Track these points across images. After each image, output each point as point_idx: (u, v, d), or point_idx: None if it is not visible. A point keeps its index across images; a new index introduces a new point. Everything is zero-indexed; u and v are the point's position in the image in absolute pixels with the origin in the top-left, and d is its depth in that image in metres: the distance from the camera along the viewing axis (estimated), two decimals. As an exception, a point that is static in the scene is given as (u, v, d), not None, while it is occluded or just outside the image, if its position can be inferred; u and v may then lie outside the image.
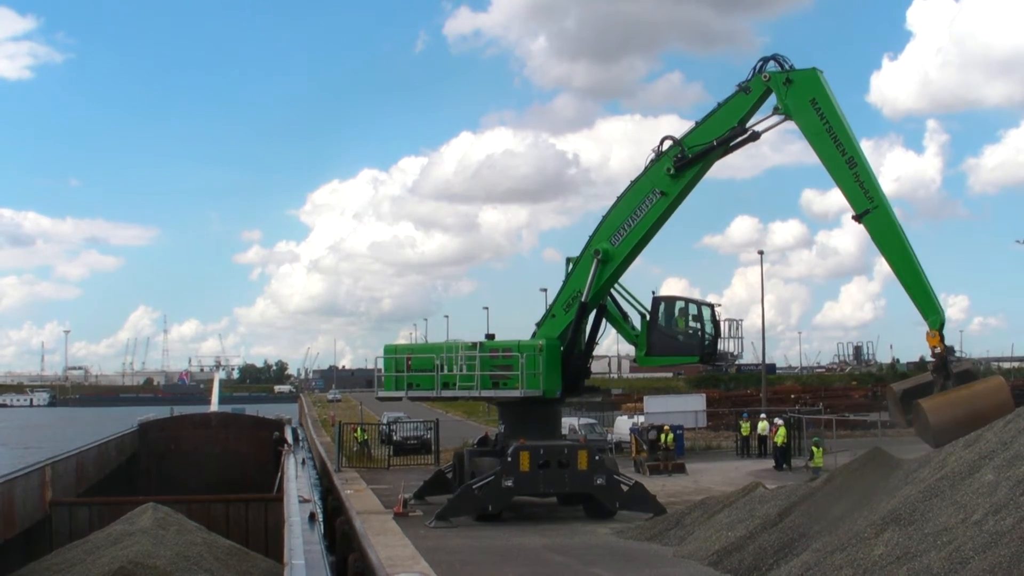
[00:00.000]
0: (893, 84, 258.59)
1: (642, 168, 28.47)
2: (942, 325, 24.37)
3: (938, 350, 24.18)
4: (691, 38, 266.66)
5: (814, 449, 37.90)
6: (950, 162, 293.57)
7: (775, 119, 27.18)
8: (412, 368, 29.91)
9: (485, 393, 29.56)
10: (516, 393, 28.55)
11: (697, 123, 28.09)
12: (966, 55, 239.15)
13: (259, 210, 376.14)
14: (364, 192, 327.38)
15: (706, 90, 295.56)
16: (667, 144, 28.08)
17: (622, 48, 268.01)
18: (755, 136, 27.72)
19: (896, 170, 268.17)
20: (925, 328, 24.47)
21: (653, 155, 28.16)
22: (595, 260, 28.23)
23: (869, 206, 25.19)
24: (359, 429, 49.15)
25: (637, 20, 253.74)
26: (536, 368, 28.38)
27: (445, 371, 29.17)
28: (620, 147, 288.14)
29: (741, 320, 29.99)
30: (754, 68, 27.16)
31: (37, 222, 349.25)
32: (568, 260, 29.61)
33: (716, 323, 29.42)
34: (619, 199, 28.64)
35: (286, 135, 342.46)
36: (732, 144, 27.96)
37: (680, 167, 27.65)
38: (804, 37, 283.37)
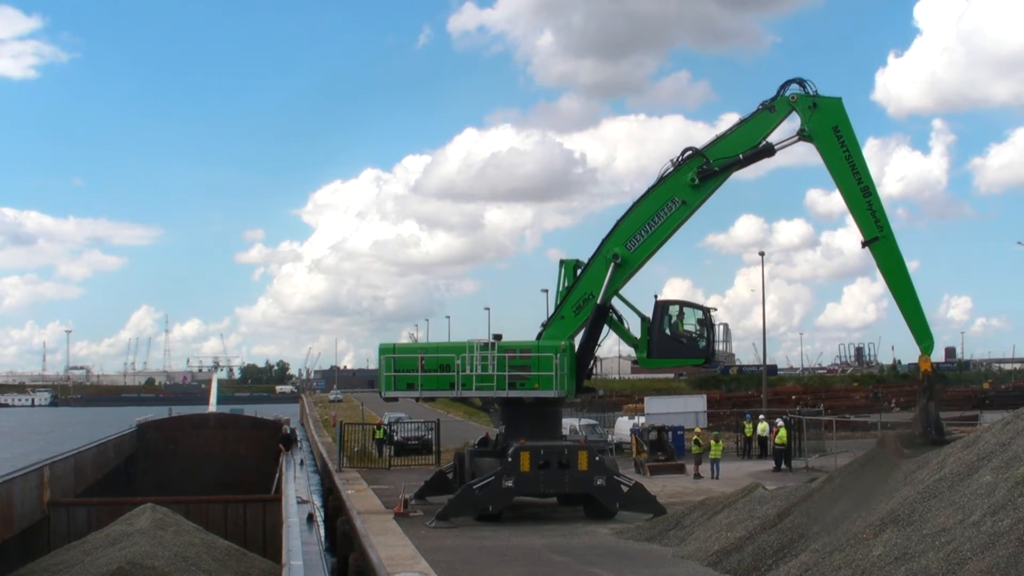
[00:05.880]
0: (899, 82, 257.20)
1: (655, 173, 29.42)
2: (932, 350, 26.79)
3: (928, 372, 26.35)
4: (700, 35, 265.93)
5: (713, 443, 39.14)
6: (956, 162, 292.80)
7: (792, 139, 28.69)
8: (424, 368, 29.69)
9: (509, 394, 29.15)
10: (543, 393, 28.61)
11: (719, 136, 29.11)
12: (973, 53, 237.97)
13: (261, 210, 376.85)
14: (367, 191, 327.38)
15: (712, 88, 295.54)
16: (687, 155, 28.83)
17: (630, 45, 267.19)
18: (771, 153, 28.97)
19: (901, 170, 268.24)
20: None
21: (671, 165, 28.94)
22: (612, 264, 28.70)
23: (879, 234, 27.14)
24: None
25: (645, 16, 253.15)
26: (563, 369, 28.57)
27: (467, 371, 29.02)
28: (625, 147, 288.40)
29: (726, 324, 31.04)
30: (779, 89, 28.60)
31: (40, 221, 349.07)
32: (562, 263, 29.84)
33: (712, 326, 29.96)
34: (635, 205, 29.15)
35: (288, 134, 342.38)
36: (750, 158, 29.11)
37: (704, 178, 28.57)
38: (812, 35, 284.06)
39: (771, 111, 28.47)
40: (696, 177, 28.41)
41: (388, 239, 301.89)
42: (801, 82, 28.37)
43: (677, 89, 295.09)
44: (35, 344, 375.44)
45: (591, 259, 29.22)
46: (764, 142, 28.63)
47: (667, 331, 29.56)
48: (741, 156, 28.57)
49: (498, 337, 29.92)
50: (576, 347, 29.34)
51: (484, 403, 31.98)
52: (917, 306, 26.71)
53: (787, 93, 28.39)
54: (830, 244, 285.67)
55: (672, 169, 28.79)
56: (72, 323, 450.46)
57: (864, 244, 27.04)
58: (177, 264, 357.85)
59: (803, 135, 28.21)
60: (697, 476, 38.61)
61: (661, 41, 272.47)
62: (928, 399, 25.36)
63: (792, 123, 28.70)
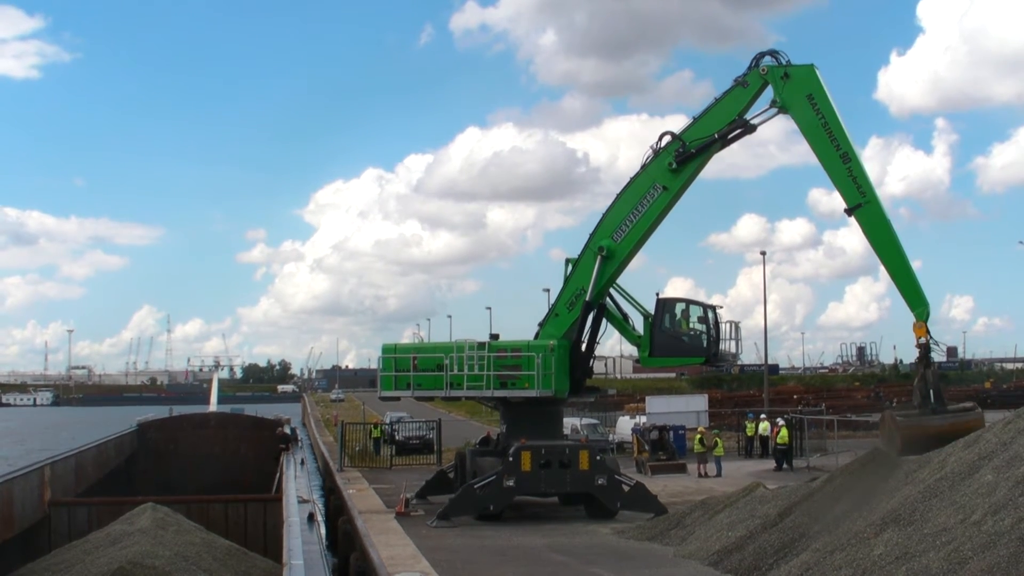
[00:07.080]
0: (901, 81, 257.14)
1: (640, 166, 28.71)
2: (928, 317, 25.26)
3: (923, 340, 24.91)
4: (703, 34, 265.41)
5: (718, 440, 40.26)
6: (958, 161, 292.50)
7: (770, 112, 27.98)
8: (418, 368, 29.74)
9: (494, 393, 29.27)
10: (528, 393, 28.46)
11: (695, 118, 28.58)
12: (976, 52, 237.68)
13: (263, 209, 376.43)
14: (369, 191, 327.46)
15: (715, 88, 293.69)
16: (666, 140, 28.48)
17: (632, 44, 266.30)
18: (751, 129, 28.41)
19: (904, 169, 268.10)
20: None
21: (651, 152, 28.59)
22: (599, 257, 28.43)
23: (861, 200, 26.19)
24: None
25: (648, 15, 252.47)
26: (548, 368, 28.40)
27: (455, 371, 29.03)
28: (628, 147, 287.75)
29: (738, 323, 30.58)
30: (751, 62, 27.93)
31: (42, 221, 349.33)
32: (567, 261, 29.69)
33: (717, 325, 29.65)
34: (619, 196, 28.92)
35: (290, 134, 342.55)
36: (730, 137, 28.49)
37: (682, 161, 28.15)
38: (815, 33, 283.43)
39: (744, 86, 27.93)
40: (674, 161, 28.06)
41: (390, 239, 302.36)
42: (774, 53, 27.73)
43: (680, 88, 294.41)
44: (37, 344, 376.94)
45: (580, 254, 29.07)
46: (740, 118, 28.08)
47: (669, 329, 29.34)
48: (716, 135, 28.09)
49: (495, 337, 29.92)
50: (575, 346, 29.12)
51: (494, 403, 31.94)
52: (908, 271, 25.76)
53: (760, 66, 27.73)
54: (832, 243, 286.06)
55: (652, 156, 28.53)
56: (74, 323, 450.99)
57: (848, 212, 26.16)
58: (179, 264, 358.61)
59: (778, 106, 27.55)
60: (701, 475, 38.62)
61: (664, 40, 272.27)
62: (925, 367, 24.54)
63: (770, 96, 27.84)
